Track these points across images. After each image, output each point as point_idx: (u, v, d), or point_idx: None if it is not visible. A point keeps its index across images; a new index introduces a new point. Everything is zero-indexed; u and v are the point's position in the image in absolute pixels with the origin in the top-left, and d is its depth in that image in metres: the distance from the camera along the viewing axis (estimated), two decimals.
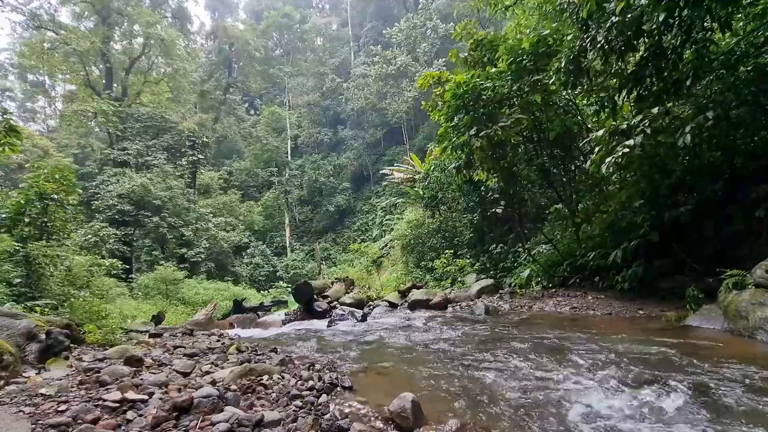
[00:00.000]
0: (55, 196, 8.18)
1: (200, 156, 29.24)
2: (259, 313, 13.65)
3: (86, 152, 30.28)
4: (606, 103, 6.63)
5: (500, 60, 8.29)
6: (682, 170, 6.09)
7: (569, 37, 6.86)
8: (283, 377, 3.63)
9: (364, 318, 8.79)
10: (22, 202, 7.89)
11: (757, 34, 5.47)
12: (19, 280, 7.10)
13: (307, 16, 51.50)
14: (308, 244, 35.71)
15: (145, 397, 2.93)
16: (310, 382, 3.48)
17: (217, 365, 4.22)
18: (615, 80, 6.28)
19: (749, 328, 4.01)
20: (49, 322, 5.19)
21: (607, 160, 5.26)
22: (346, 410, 2.91)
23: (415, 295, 10.00)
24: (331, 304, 10.73)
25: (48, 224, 8.22)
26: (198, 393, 2.83)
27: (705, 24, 5.11)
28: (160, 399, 2.90)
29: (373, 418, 2.78)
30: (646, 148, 5.05)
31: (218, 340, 6.43)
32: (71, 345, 5.10)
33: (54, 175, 8.21)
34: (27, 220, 7.85)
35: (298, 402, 3.01)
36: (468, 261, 12.42)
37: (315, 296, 10.87)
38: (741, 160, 5.57)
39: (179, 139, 28.53)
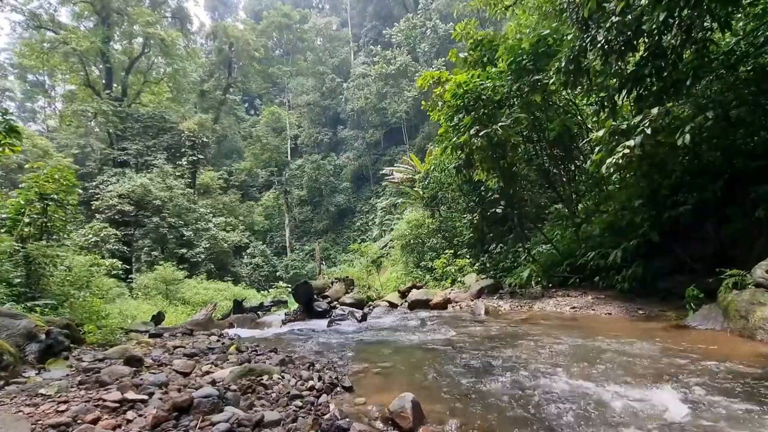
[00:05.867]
0: (55, 197, 8.15)
1: (200, 156, 29.23)
2: (259, 313, 13.65)
3: (86, 152, 30.24)
4: (606, 103, 6.62)
5: (500, 60, 8.29)
6: (682, 170, 6.08)
7: (569, 37, 6.85)
8: (283, 377, 3.63)
9: (364, 318, 8.79)
10: (22, 202, 7.88)
11: (757, 34, 5.47)
12: (19, 280, 7.08)
13: (307, 16, 51.47)
14: (308, 244, 35.72)
15: (145, 397, 2.93)
16: (310, 382, 3.48)
17: (217, 365, 4.22)
18: (615, 80, 6.27)
19: (749, 328, 4.01)
20: (48, 323, 5.19)
21: (608, 161, 5.25)
22: (346, 410, 2.91)
23: (415, 295, 10.02)
24: (331, 304, 10.74)
25: (48, 224, 8.21)
26: (198, 393, 2.83)
27: (705, 24, 5.10)
28: (160, 399, 2.90)
29: (372, 419, 2.78)
30: (646, 148, 5.04)
31: (218, 340, 6.43)
32: (71, 345, 5.11)
33: (54, 176, 8.18)
34: (27, 220, 7.83)
35: (298, 402, 3.01)
36: (468, 261, 12.41)
37: (315, 296, 10.87)
38: (741, 160, 5.57)
39: (179, 139, 28.54)
